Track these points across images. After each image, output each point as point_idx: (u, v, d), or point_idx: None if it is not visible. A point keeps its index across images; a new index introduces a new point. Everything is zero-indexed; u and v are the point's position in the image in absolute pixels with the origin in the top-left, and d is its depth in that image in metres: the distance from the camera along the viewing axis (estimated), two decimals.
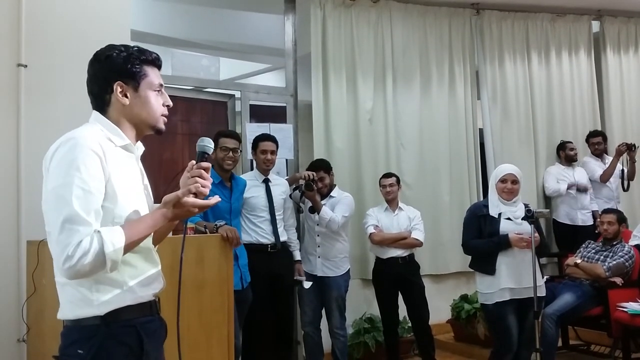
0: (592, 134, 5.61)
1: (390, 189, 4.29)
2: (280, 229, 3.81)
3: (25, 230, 3.17)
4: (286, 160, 4.64)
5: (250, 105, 4.61)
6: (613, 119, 5.94)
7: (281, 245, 3.79)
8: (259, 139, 3.90)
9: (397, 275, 4.19)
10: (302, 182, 3.93)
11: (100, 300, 1.48)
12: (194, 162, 1.57)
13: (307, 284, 3.93)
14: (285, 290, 3.90)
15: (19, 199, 3.20)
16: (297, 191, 4.02)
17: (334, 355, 4.05)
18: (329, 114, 4.83)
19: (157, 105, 1.63)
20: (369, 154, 4.95)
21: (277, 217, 3.78)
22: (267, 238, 3.72)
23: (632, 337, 3.99)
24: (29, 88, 3.29)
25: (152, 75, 1.62)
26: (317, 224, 3.99)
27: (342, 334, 4.06)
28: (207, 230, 3.02)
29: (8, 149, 3.22)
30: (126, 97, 1.58)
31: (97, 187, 1.44)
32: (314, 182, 3.84)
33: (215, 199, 1.58)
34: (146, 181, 1.71)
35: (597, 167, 5.49)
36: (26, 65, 3.28)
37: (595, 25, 6.05)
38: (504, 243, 3.37)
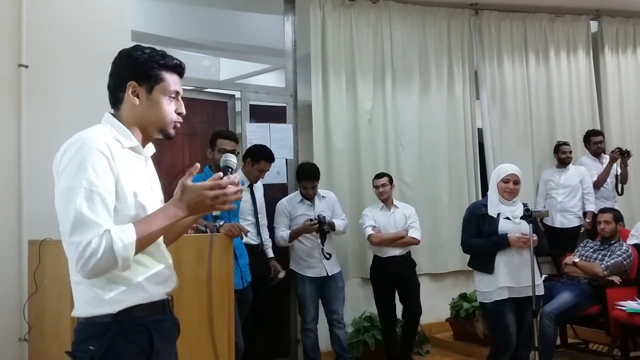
0: (593, 133, 5.59)
1: (382, 189, 4.33)
2: (263, 230, 3.98)
3: (27, 230, 3.19)
4: (286, 160, 4.66)
5: (250, 105, 4.62)
6: (611, 118, 5.96)
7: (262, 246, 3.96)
8: (262, 157, 3.79)
9: (396, 274, 4.25)
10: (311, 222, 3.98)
11: (113, 299, 1.50)
12: (220, 174, 1.55)
13: (282, 273, 4.03)
14: (270, 288, 4.00)
15: (21, 198, 3.22)
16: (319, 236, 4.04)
17: (339, 346, 4.10)
18: (328, 114, 4.84)
19: (169, 110, 1.62)
20: (369, 154, 4.97)
21: (259, 220, 3.92)
22: (253, 239, 3.82)
23: (631, 336, 4.00)
24: (29, 88, 3.30)
25: (169, 80, 1.62)
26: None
27: (344, 323, 4.19)
28: (207, 229, 3.04)
29: (9, 148, 3.24)
30: (137, 97, 1.59)
31: (106, 187, 1.46)
32: (322, 222, 3.96)
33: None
34: (157, 182, 1.72)
35: (594, 171, 5.50)
36: (27, 66, 3.29)
37: (594, 26, 6.06)
38: (503, 242, 3.39)
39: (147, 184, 1.64)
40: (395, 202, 4.43)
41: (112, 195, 1.47)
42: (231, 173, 1.60)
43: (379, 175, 4.41)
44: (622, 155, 5.31)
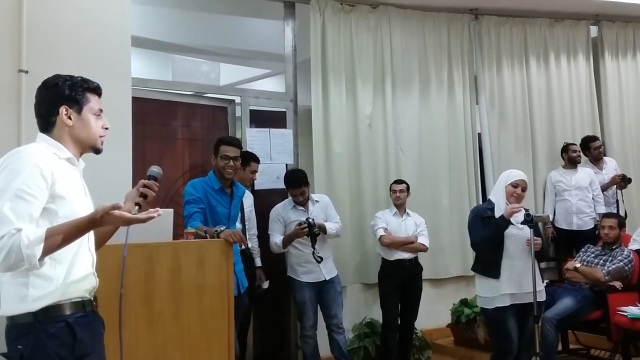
0: (591, 139, 5.56)
1: (400, 194, 4.45)
2: (252, 239, 4.08)
3: None
4: (286, 165, 4.65)
5: (250, 110, 4.62)
6: (611, 123, 5.95)
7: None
8: (250, 159, 4.15)
9: (404, 277, 4.33)
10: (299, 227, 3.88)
11: (34, 297, 1.66)
12: (144, 180, 1.86)
13: (265, 284, 4.07)
14: (257, 296, 4.02)
15: None
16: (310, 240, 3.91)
17: (339, 351, 4.08)
18: (328, 119, 4.84)
19: (97, 127, 1.88)
20: (368, 158, 4.97)
21: (247, 228, 3.96)
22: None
23: (632, 341, 4.00)
24: (30, 94, 3.27)
25: (93, 101, 1.88)
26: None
27: (344, 328, 4.16)
28: (207, 235, 3.02)
29: None
30: (70, 119, 1.82)
31: (34, 194, 1.63)
32: (312, 225, 3.84)
33: (148, 214, 1.76)
34: (87, 193, 1.91)
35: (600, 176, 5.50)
36: (27, 71, 3.28)
37: (594, 30, 6.07)
38: (501, 220, 3.38)
39: (82, 191, 1.85)
40: (407, 210, 4.53)
41: (39, 202, 1.64)
42: (156, 181, 1.88)
43: (399, 182, 4.54)
44: (624, 181, 5.35)
